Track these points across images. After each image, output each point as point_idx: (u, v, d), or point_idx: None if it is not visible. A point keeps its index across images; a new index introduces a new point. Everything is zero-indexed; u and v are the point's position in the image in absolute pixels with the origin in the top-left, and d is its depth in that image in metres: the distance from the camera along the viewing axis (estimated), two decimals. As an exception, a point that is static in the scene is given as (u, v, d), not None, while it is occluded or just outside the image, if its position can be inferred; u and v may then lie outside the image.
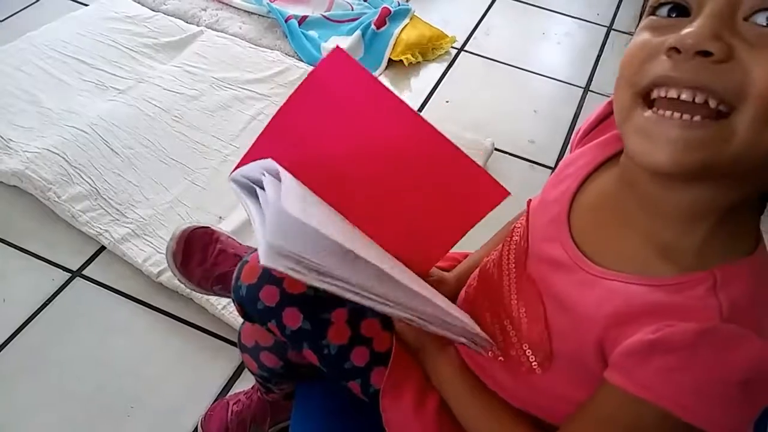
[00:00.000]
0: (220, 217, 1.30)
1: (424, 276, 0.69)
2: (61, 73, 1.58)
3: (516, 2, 2.13)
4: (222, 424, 0.97)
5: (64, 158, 1.35)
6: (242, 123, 1.52)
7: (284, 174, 0.51)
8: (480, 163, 1.50)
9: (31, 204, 1.30)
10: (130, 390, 1.07)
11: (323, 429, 0.74)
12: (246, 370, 1.09)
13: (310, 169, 0.54)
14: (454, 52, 1.89)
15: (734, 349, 0.44)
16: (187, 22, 1.80)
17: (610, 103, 0.57)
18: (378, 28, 1.84)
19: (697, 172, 0.43)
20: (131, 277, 1.21)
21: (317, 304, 0.65)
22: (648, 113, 0.44)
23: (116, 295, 1.19)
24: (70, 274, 1.22)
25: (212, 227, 1.01)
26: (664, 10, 0.45)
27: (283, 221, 0.46)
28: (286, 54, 1.74)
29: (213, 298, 1.15)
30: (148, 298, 1.19)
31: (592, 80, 1.85)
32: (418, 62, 1.81)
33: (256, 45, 1.76)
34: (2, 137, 1.39)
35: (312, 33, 1.82)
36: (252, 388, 0.99)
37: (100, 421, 1.03)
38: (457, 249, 0.67)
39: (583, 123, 0.63)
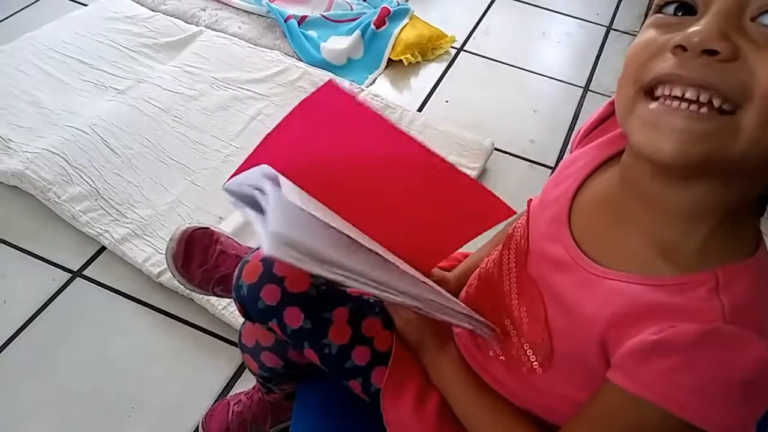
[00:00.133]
0: (221, 218, 1.30)
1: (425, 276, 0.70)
2: (60, 74, 1.58)
3: (515, 2, 2.13)
4: (223, 425, 0.97)
5: (64, 158, 1.35)
6: (242, 123, 1.52)
7: (282, 177, 0.51)
8: (480, 163, 1.50)
9: (31, 204, 1.30)
10: (131, 390, 1.07)
11: (324, 429, 0.74)
12: (247, 370, 1.09)
13: (305, 182, 0.54)
14: (453, 51, 1.89)
15: (736, 350, 0.44)
16: (186, 22, 1.80)
17: (611, 104, 0.57)
18: (377, 27, 1.84)
19: (700, 167, 0.43)
20: (131, 278, 1.21)
21: (318, 303, 0.65)
22: (653, 105, 0.44)
23: (117, 295, 1.19)
24: (70, 275, 1.22)
25: (212, 228, 1.00)
26: (670, 8, 0.45)
27: (285, 210, 0.46)
28: (285, 54, 1.74)
29: (213, 299, 1.15)
30: (149, 298, 1.19)
31: (591, 80, 1.85)
32: (418, 62, 1.81)
33: (255, 45, 1.76)
34: (2, 137, 1.39)
35: (311, 33, 1.82)
36: (253, 388, 0.99)
37: (100, 421, 1.03)
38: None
39: (583, 123, 0.63)
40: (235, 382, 1.10)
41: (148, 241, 1.24)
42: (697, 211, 0.47)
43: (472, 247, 0.76)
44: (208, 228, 1.00)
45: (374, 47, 1.82)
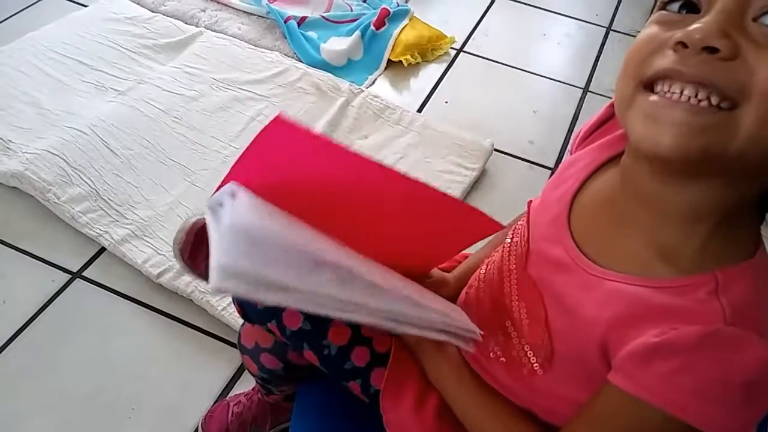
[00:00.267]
0: (220, 218, 1.30)
1: (423, 278, 0.70)
2: (60, 74, 1.58)
3: (515, 3, 2.13)
4: (222, 426, 0.97)
5: (63, 159, 1.34)
6: (242, 124, 1.52)
7: (240, 190, 0.48)
8: (479, 163, 1.50)
9: (31, 205, 1.30)
10: (130, 391, 1.07)
11: (323, 430, 0.74)
12: (246, 371, 1.09)
13: (282, 201, 0.51)
14: (453, 52, 1.89)
15: (737, 352, 0.44)
16: (186, 23, 1.80)
17: (611, 106, 0.57)
18: (377, 28, 1.84)
19: (699, 163, 0.43)
20: (131, 279, 1.21)
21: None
22: (654, 97, 0.44)
23: (116, 296, 1.19)
24: (70, 276, 1.22)
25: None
26: (674, 6, 0.46)
27: (237, 231, 0.44)
28: (285, 55, 1.74)
29: (213, 299, 1.15)
30: (148, 299, 1.19)
31: (591, 81, 1.85)
32: (418, 63, 1.82)
33: (255, 46, 1.76)
34: (2, 138, 1.39)
35: (311, 34, 1.82)
36: (252, 389, 0.99)
37: (100, 422, 1.03)
38: (457, 250, 0.67)
39: (583, 125, 0.63)
40: (235, 383, 1.10)
41: (148, 242, 1.24)
42: (697, 212, 0.47)
43: (473, 248, 0.76)
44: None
45: (374, 48, 1.82)
